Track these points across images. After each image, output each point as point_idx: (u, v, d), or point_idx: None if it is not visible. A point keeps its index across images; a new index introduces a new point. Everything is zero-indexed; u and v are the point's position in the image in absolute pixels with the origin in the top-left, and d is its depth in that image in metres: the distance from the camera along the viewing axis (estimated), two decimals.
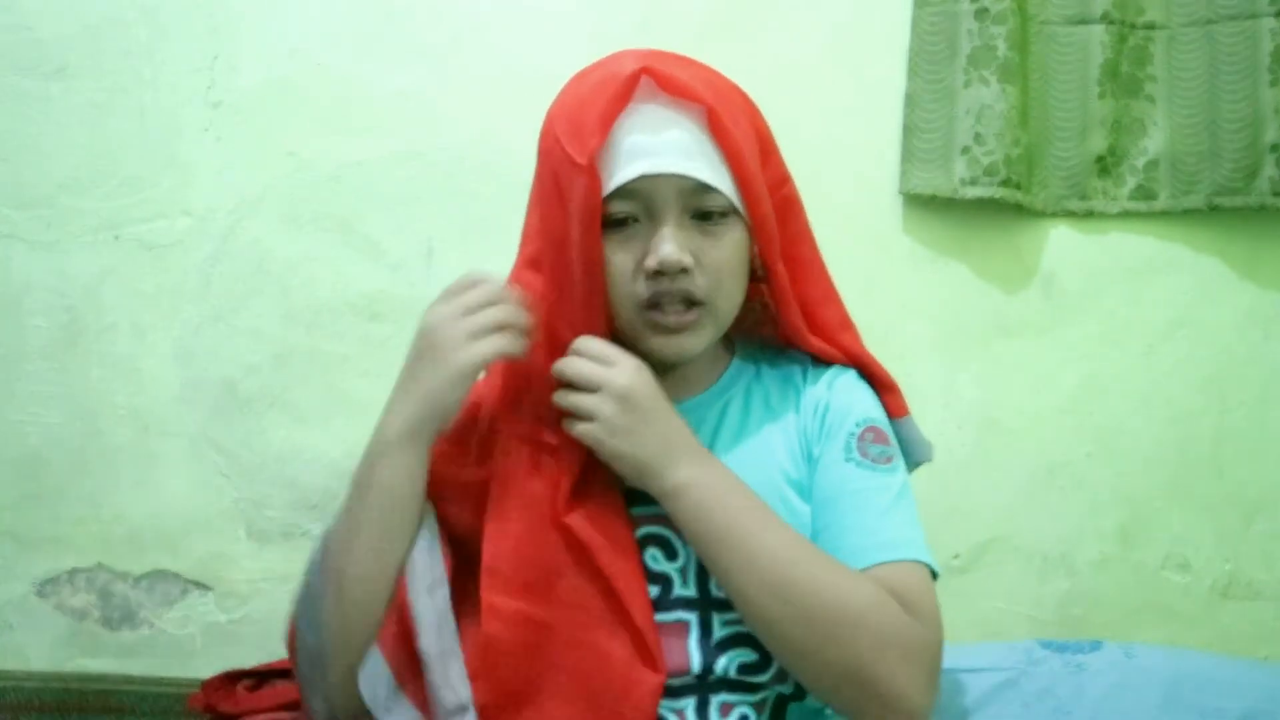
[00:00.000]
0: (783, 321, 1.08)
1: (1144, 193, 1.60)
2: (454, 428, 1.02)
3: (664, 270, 0.98)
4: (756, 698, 1.00)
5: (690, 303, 1.01)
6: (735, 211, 1.01)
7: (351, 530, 1.00)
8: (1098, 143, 1.59)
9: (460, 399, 1.00)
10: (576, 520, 0.99)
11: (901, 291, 1.62)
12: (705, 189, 0.99)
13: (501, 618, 0.96)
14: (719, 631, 1.00)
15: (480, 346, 0.98)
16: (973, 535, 1.62)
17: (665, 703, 0.98)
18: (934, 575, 1.01)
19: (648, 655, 0.96)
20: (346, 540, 1.00)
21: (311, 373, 1.63)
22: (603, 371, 0.98)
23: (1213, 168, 1.57)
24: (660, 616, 0.99)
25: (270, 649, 1.41)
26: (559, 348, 1.01)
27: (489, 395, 1.06)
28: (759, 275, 1.07)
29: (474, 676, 0.97)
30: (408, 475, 0.99)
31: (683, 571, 1.01)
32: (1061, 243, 1.62)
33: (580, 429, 0.99)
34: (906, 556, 0.99)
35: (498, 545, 0.99)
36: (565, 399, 1.00)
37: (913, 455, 1.11)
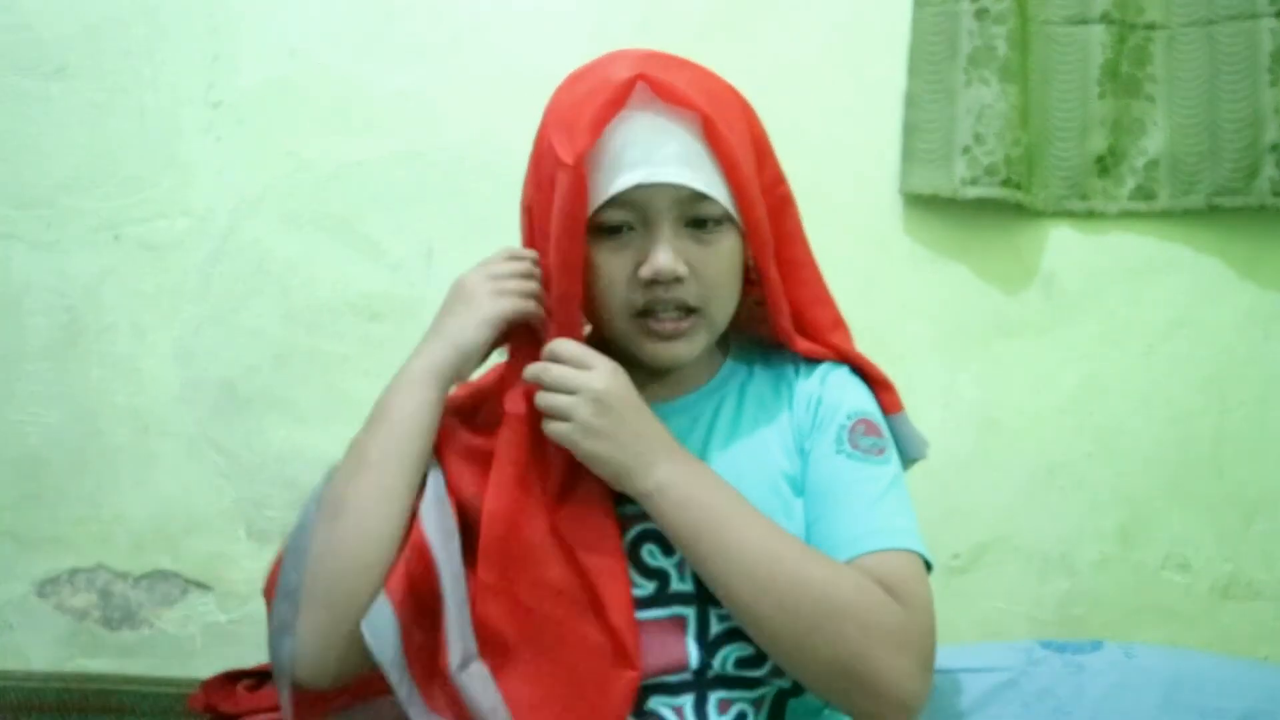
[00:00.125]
0: (773, 325, 1.08)
1: (1144, 193, 1.60)
2: (470, 390, 1.06)
3: (659, 279, 0.99)
4: (755, 694, 1.00)
5: (685, 310, 1.01)
6: (730, 218, 1.02)
7: (358, 459, 1.01)
8: (1098, 143, 1.59)
9: (483, 345, 1.04)
10: (562, 517, 1.00)
11: (901, 291, 1.62)
12: (700, 197, 0.99)
13: (492, 591, 0.98)
14: (716, 626, 1.00)
15: (506, 300, 1.03)
16: (973, 535, 1.62)
17: (663, 700, 0.98)
18: (928, 566, 1.01)
19: (624, 654, 0.96)
20: (351, 470, 1.01)
21: (311, 373, 1.63)
22: (577, 375, 0.99)
23: (1213, 168, 1.57)
24: (657, 612, 1.00)
25: None
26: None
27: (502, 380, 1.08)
28: (753, 277, 1.07)
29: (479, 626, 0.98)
30: (424, 408, 1.02)
31: (679, 567, 1.01)
32: (1061, 243, 1.62)
33: (556, 430, 0.99)
34: (896, 545, 0.99)
35: (490, 529, 0.99)
36: (543, 400, 1.00)
37: (908, 451, 1.11)
